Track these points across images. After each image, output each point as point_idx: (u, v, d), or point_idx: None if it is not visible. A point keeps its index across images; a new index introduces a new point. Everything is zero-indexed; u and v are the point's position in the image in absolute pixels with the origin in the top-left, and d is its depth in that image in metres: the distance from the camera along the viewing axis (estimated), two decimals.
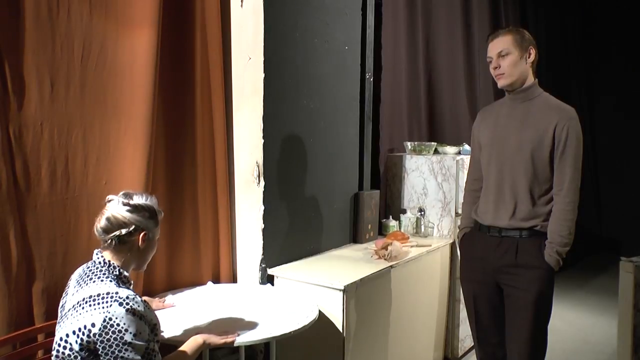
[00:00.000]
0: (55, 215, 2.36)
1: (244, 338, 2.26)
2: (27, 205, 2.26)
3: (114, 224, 1.89)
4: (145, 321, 1.81)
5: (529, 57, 2.58)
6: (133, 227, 1.90)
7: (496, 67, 2.60)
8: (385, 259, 3.24)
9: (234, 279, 3.20)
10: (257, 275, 3.09)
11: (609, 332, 4.56)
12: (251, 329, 2.34)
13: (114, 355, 1.75)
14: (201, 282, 3.01)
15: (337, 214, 3.65)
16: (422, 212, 4.06)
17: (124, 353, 1.75)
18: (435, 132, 4.90)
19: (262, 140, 3.03)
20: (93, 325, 1.75)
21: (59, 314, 1.92)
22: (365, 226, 3.78)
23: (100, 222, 1.90)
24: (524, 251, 2.56)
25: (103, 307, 1.76)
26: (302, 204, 3.34)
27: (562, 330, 4.72)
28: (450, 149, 4.20)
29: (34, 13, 2.27)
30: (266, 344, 2.96)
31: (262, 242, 3.06)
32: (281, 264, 3.16)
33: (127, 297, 1.79)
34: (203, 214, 3.02)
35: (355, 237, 3.79)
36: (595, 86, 7.98)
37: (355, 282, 2.88)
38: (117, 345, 1.74)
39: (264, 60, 3.01)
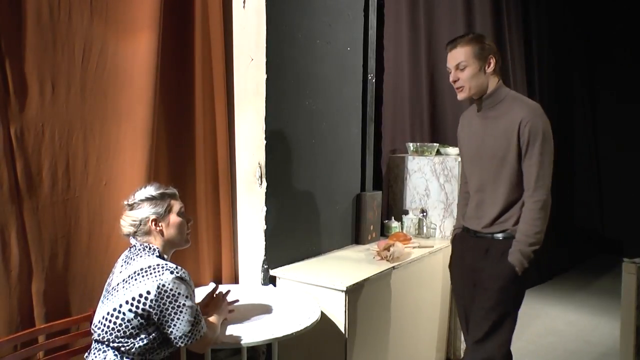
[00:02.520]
0: (56, 216, 2.36)
1: (246, 339, 2.26)
2: (28, 206, 2.27)
3: (128, 225, 2.11)
4: (191, 287, 2.06)
5: (488, 67, 2.56)
6: (139, 220, 2.09)
7: (455, 80, 2.58)
8: (387, 260, 3.24)
9: (235, 280, 3.19)
10: (259, 276, 3.09)
11: (611, 333, 4.55)
12: (253, 330, 2.34)
13: (170, 317, 1.98)
14: (203, 283, 3.01)
15: (339, 215, 3.65)
16: (424, 213, 4.05)
17: (179, 315, 1.98)
18: (437, 133, 4.89)
19: (264, 141, 3.03)
20: (148, 292, 1.95)
21: (103, 293, 2.10)
22: (368, 227, 3.78)
23: (121, 230, 2.14)
24: (493, 250, 2.57)
25: (155, 276, 1.98)
26: (304, 205, 3.33)
27: (564, 331, 4.72)
28: (452, 150, 4.19)
29: (35, 15, 2.27)
30: (268, 345, 2.97)
31: (264, 243, 3.06)
32: (283, 265, 3.16)
33: (176, 267, 2.03)
34: (205, 215, 3.01)
35: (357, 238, 3.79)
36: (598, 85, 7.96)
37: (357, 283, 2.87)
38: (173, 307, 1.97)
39: (266, 61, 3.01)
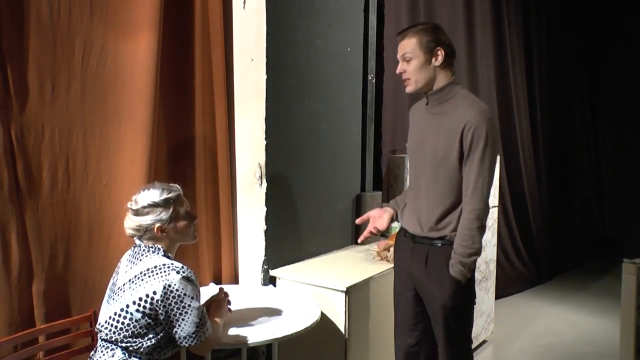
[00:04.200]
0: (56, 216, 2.36)
1: (246, 339, 2.26)
2: (28, 207, 2.27)
3: (132, 229, 2.09)
4: (197, 287, 2.06)
5: (435, 60, 2.39)
6: (144, 227, 2.07)
7: (401, 72, 2.47)
8: (387, 261, 3.23)
9: (235, 280, 3.19)
10: (259, 276, 3.09)
11: (611, 333, 4.55)
12: (253, 330, 2.34)
13: (176, 318, 1.98)
14: (203, 284, 3.01)
15: (339, 215, 3.65)
16: None
17: (185, 316, 1.99)
18: None
19: (265, 142, 3.03)
20: (155, 292, 1.96)
21: (108, 292, 2.11)
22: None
23: (125, 231, 2.11)
24: (433, 261, 2.44)
25: (162, 276, 1.98)
26: (304, 206, 3.33)
27: (564, 332, 4.72)
28: None
29: (35, 15, 2.27)
30: (268, 346, 2.97)
31: (264, 243, 3.06)
32: (283, 265, 3.16)
33: (182, 267, 2.03)
34: (205, 215, 3.02)
35: (357, 239, 3.78)
36: (598, 85, 7.95)
37: (357, 283, 2.87)
38: (179, 308, 1.98)
39: (267, 62, 3.01)
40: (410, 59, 2.41)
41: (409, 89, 2.48)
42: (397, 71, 2.49)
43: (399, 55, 2.47)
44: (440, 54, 2.39)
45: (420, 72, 2.41)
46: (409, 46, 2.41)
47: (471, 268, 2.37)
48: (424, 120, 2.53)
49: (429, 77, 2.43)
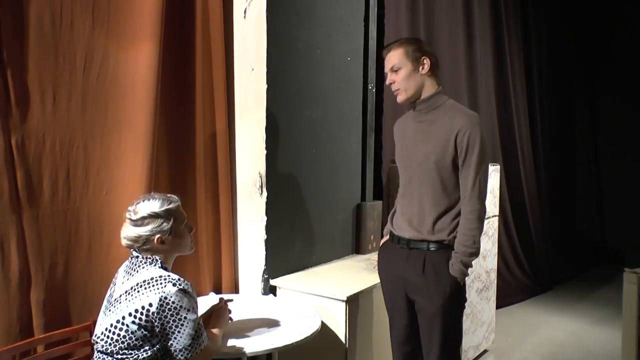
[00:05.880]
0: (56, 225, 2.36)
1: (246, 349, 2.25)
2: (28, 216, 2.26)
3: (130, 240, 2.07)
4: (194, 298, 2.05)
5: (422, 69, 2.48)
6: (144, 238, 2.06)
7: (391, 83, 2.54)
8: None
9: (236, 290, 3.19)
10: (260, 286, 3.08)
11: (612, 343, 4.53)
12: (253, 340, 2.33)
13: (171, 330, 1.98)
14: (203, 293, 3.00)
15: (340, 225, 3.64)
16: None
17: (180, 328, 1.98)
18: None
19: (265, 151, 3.03)
20: (150, 305, 1.96)
21: (105, 304, 2.10)
22: (368, 237, 3.77)
23: (122, 242, 2.09)
24: (430, 265, 2.47)
25: (158, 288, 1.98)
26: (304, 215, 3.33)
27: (565, 341, 4.70)
28: None
29: (37, 25, 2.28)
30: (268, 355, 2.95)
31: (264, 252, 3.06)
32: (283, 275, 3.15)
33: (179, 279, 2.02)
34: (205, 224, 3.01)
35: (357, 248, 3.78)
36: (598, 92, 7.95)
37: (357, 292, 2.87)
38: (175, 320, 1.98)
39: (267, 72, 3.02)
40: (398, 69, 2.50)
41: (400, 98, 2.56)
42: (387, 82, 2.58)
43: (387, 69, 2.56)
44: (427, 62, 2.49)
45: (409, 81, 2.50)
46: (395, 57, 2.51)
47: (470, 267, 2.45)
48: (412, 130, 2.61)
49: (417, 85, 2.51)
